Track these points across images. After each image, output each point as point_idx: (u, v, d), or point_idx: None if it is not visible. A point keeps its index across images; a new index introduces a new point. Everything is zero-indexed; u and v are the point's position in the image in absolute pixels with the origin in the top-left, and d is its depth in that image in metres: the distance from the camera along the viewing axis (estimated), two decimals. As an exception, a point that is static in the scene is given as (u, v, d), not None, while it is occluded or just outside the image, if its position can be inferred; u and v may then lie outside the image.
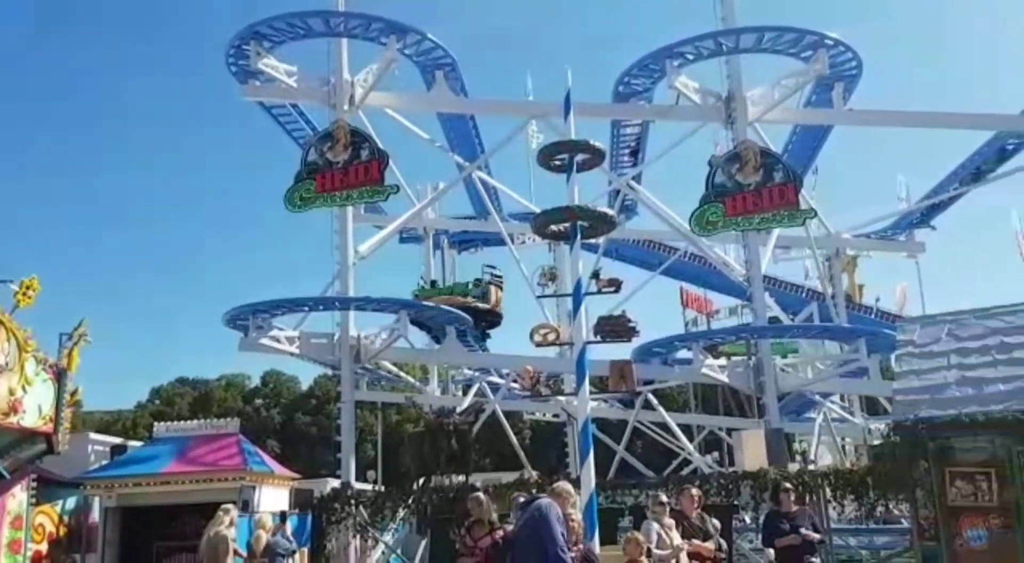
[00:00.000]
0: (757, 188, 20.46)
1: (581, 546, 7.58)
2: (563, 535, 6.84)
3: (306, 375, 62.15)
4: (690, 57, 21.95)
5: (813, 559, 9.20)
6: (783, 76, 22.44)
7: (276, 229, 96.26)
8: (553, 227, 10.81)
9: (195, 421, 18.75)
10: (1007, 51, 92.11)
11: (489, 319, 28.04)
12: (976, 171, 25.78)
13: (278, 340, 20.52)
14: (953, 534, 8.77)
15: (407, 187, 25.04)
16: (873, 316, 32.18)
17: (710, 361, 21.38)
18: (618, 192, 25.84)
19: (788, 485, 10.32)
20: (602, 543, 9.17)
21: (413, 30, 21.71)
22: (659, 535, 8.57)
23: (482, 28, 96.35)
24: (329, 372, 29.40)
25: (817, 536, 9.51)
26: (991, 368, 9.05)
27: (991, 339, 9.36)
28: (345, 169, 20.46)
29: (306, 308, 21.05)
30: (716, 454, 30.76)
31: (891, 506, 15.34)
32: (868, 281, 36.49)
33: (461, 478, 16.57)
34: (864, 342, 20.08)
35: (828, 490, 14.41)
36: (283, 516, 14.55)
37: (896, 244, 29.62)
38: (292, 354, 21.24)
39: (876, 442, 23.91)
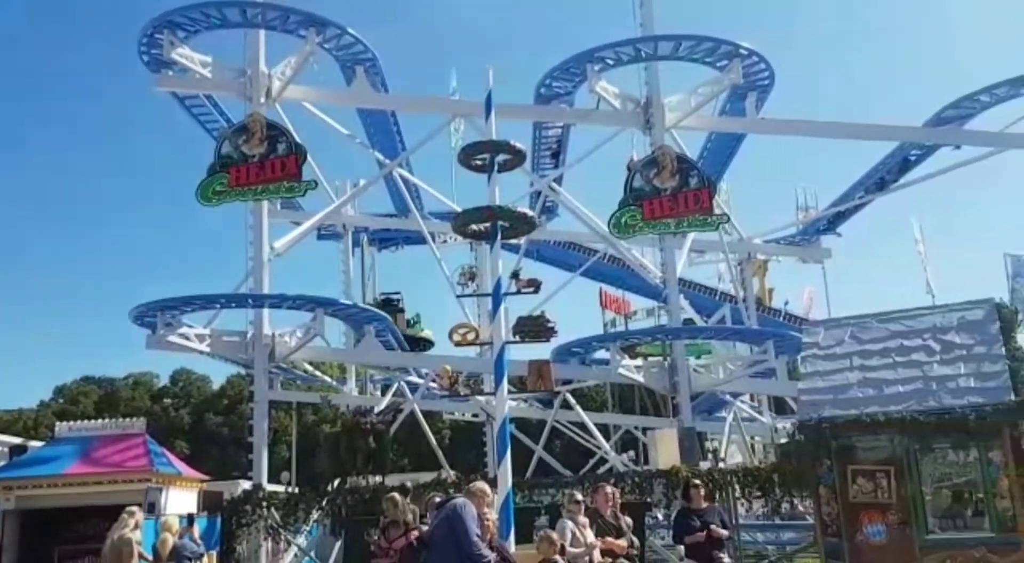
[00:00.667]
0: (673, 193, 20.89)
1: (495, 545, 7.60)
2: (478, 534, 6.86)
3: (218, 374, 60.68)
4: (610, 62, 22.27)
5: (721, 554, 9.44)
6: (700, 84, 22.99)
7: (188, 224, 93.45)
8: (474, 227, 10.80)
9: (100, 421, 18.10)
10: (912, 63, 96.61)
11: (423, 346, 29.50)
12: (880, 180, 26.95)
13: (188, 338, 19.94)
14: (854, 530, 9.12)
15: (326, 183, 24.70)
16: (782, 319, 33.31)
17: (627, 361, 21.74)
18: (539, 193, 26.03)
19: (698, 482, 10.56)
20: (518, 542, 9.22)
21: (333, 24, 21.38)
22: (573, 533, 8.65)
23: (416, 27, 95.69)
24: (242, 371, 28.72)
25: (725, 532, 9.75)
26: (891, 370, 9.44)
27: (891, 342, 9.76)
28: (261, 163, 20.01)
29: (218, 305, 20.51)
30: (632, 453, 31.28)
31: (796, 503, 15.89)
32: (778, 285, 37.80)
33: (378, 479, 16.38)
34: (772, 344, 20.77)
35: (737, 487, 14.79)
36: (191, 519, 14.14)
37: (804, 250, 30.73)
38: (202, 352, 20.68)
39: (783, 441, 24.69)
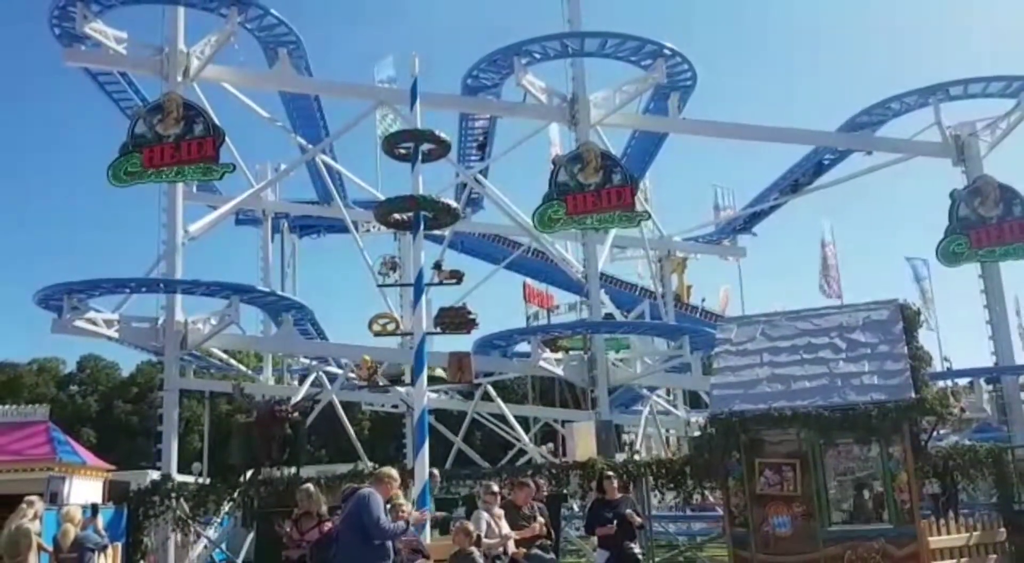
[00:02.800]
0: (597, 189, 21.10)
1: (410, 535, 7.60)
2: (384, 517, 6.83)
3: (128, 361, 58.69)
4: (537, 56, 22.35)
5: (632, 545, 9.61)
6: (624, 82, 23.28)
7: (99, 204, 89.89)
8: (396, 216, 10.72)
9: (0, 407, 17.31)
10: (826, 69, 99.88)
11: None
12: (795, 183, 27.81)
13: (96, 323, 19.17)
14: (760, 520, 9.42)
15: (245, 167, 24.08)
16: (699, 315, 34.12)
17: (548, 355, 21.91)
18: (465, 185, 25.97)
19: (611, 474, 10.73)
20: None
21: (255, 4, 20.84)
22: (488, 524, 8.69)
23: (344, 16, 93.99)
24: (153, 358, 27.86)
25: (638, 520, 9.94)
26: (799, 367, 9.77)
27: (799, 340, 10.10)
28: (176, 144, 19.34)
29: (128, 289, 19.79)
30: (551, 445, 31.58)
31: (707, 494, 16.30)
32: (696, 282, 38.70)
33: (292, 470, 16.11)
34: (688, 339, 21.24)
35: (651, 479, 15.09)
36: (94, 509, 13.66)
37: (721, 248, 31.53)
38: (111, 338, 19.93)
39: (695, 434, 25.31)
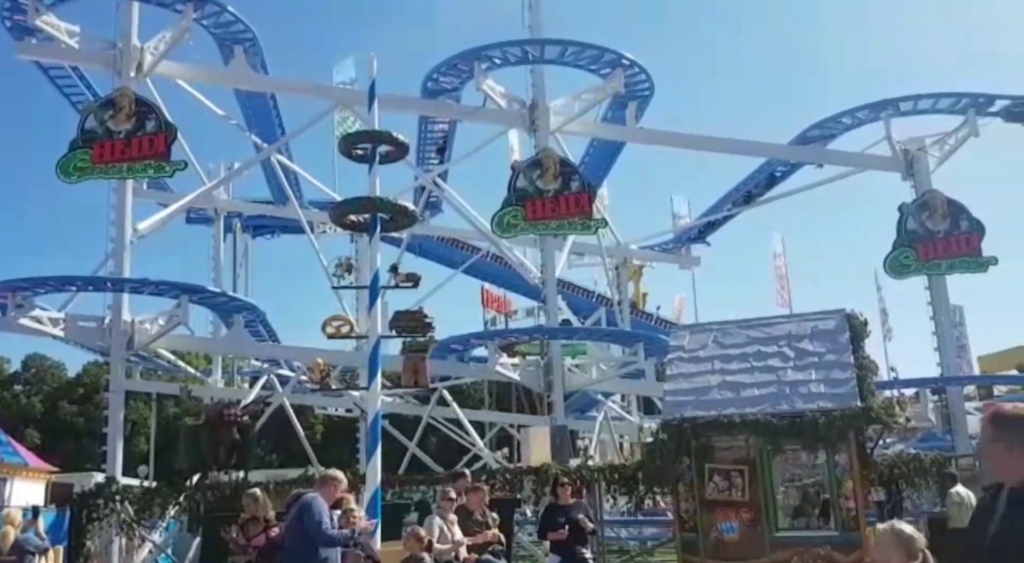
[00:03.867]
0: (555, 195, 21.20)
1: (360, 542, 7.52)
2: (328, 523, 6.75)
3: (74, 361, 57.28)
4: (497, 61, 22.39)
5: (584, 550, 9.63)
6: (584, 90, 23.42)
7: (47, 200, 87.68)
8: (353, 217, 10.61)
9: (-62, 407, 16.76)
10: (779, 83, 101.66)
11: None
12: (748, 194, 28.22)
13: (41, 321, 18.70)
14: (709, 526, 9.49)
15: (197, 165, 23.78)
16: (654, 323, 34.45)
17: (505, 360, 21.91)
18: (423, 188, 25.88)
19: (565, 480, 10.74)
20: (386, 539, 9.12)
21: (212, 0, 20.56)
22: (441, 529, 8.64)
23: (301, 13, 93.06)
24: (99, 359, 27.22)
25: (590, 526, 9.97)
26: (748, 374, 9.87)
27: (750, 347, 10.20)
28: (127, 140, 18.99)
29: (74, 287, 19.34)
30: (506, 450, 31.57)
31: (658, 499, 16.42)
32: (652, 290, 39.08)
33: (240, 474, 15.85)
34: (642, 346, 21.43)
35: (604, 484, 15.15)
36: (35, 511, 13.32)
37: (676, 257, 31.88)
38: (57, 337, 19.46)
39: (648, 440, 25.48)
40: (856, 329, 10.00)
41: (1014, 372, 32.56)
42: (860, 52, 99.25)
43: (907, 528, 3.78)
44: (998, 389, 32.14)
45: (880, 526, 3.99)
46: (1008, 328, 80.00)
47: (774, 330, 10.36)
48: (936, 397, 23.54)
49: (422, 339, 11.34)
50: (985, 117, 23.06)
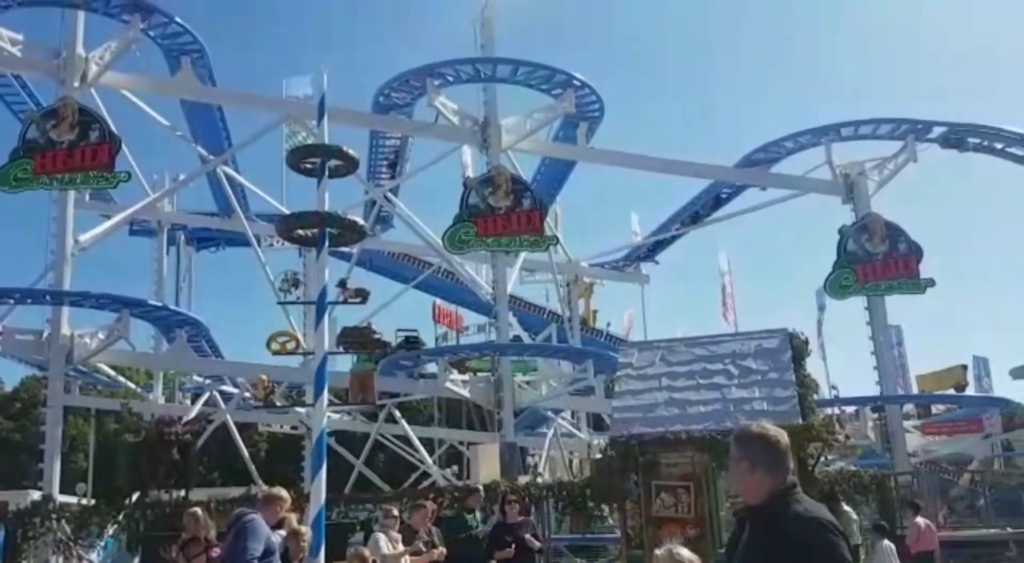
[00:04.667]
0: (507, 212, 21.29)
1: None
2: (271, 548, 6.59)
3: (11, 376, 55.42)
4: (450, 78, 22.48)
5: (530, 569, 9.62)
6: (535, 109, 23.63)
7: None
8: (301, 232, 10.50)
9: None
10: (727, 105, 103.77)
11: None
12: (695, 214, 28.70)
13: (-25, 334, 18.14)
14: (656, 542, 9.56)
15: (141, 176, 23.35)
16: (604, 339, 34.65)
17: (455, 376, 21.84)
18: (374, 203, 25.77)
19: (512, 497, 10.74)
20: (330, 558, 8.98)
21: (159, 11, 20.34)
22: (386, 546, 8.56)
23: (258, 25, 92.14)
24: (37, 373, 26.45)
25: (537, 544, 9.97)
26: (694, 391, 10.00)
27: (696, 365, 10.34)
28: (70, 150, 18.57)
29: (11, 300, 18.80)
30: (456, 467, 31.37)
31: (606, 516, 16.47)
32: (602, 307, 39.35)
33: (181, 493, 15.51)
34: (592, 363, 21.55)
35: (552, 501, 15.16)
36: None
37: (626, 274, 32.22)
38: (-10, 352, 18.87)
39: (597, 456, 25.60)
40: (798, 348, 10.21)
41: (951, 391, 33.43)
42: (807, 76, 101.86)
43: (685, 552, 3.83)
44: (936, 408, 33.04)
45: (658, 551, 4.05)
46: (945, 348, 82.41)
47: (719, 348, 10.52)
48: (876, 415, 24.09)
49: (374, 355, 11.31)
50: (923, 143, 23.81)
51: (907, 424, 25.46)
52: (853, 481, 15.17)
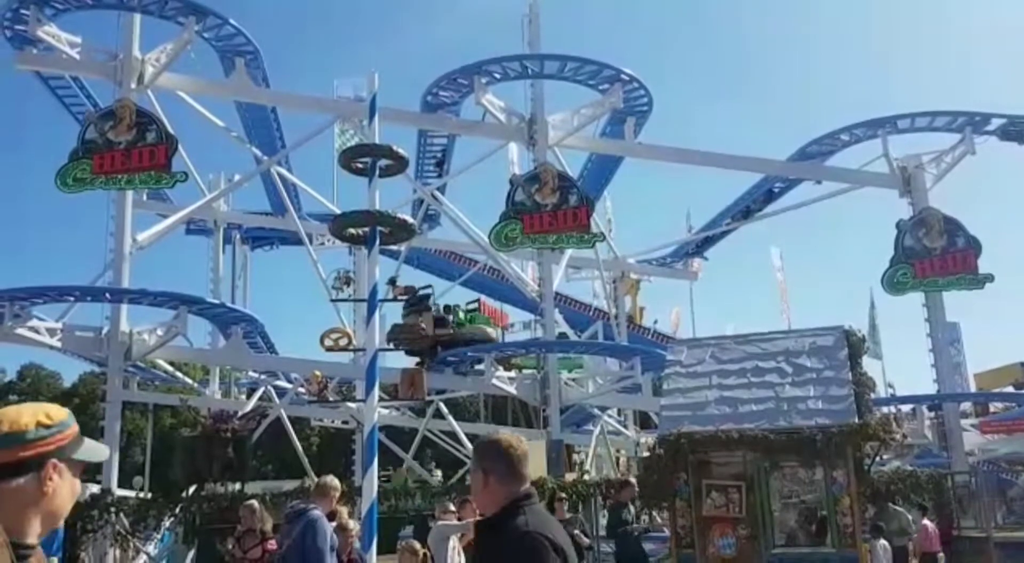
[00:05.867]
0: (553, 209, 21.25)
1: (353, 558, 7.52)
2: (333, 545, 6.72)
3: (70, 371, 57.23)
4: (497, 76, 22.49)
5: (579, 566, 9.60)
6: (582, 105, 23.53)
7: (48, 209, 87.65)
8: (352, 230, 10.64)
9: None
10: (780, 100, 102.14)
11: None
12: (746, 209, 28.29)
13: (38, 331, 18.68)
14: (706, 542, 9.48)
15: (197, 176, 23.84)
16: (651, 337, 34.42)
17: (501, 373, 21.88)
18: (422, 201, 25.94)
19: (563, 495, 10.74)
20: (381, 552, 9.09)
21: (213, 13, 20.66)
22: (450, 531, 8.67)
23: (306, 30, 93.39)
24: (96, 369, 27.17)
25: (587, 541, 9.95)
26: (746, 390, 9.89)
27: (747, 363, 10.22)
28: (127, 151, 19.02)
29: (72, 298, 19.33)
30: (502, 464, 31.38)
31: (655, 515, 16.37)
32: (649, 304, 39.10)
33: (236, 486, 15.80)
34: (639, 360, 21.40)
35: (600, 498, 15.11)
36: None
37: (674, 271, 31.89)
38: (53, 347, 19.43)
39: (645, 454, 25.45)
40: (854, 346, 10.04)
41: (1010, 389, 32.52)
42: (861, 70, 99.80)
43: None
44: (994, 406, 32.14)
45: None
46: (1004, 345, 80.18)
47: (772, 346, 10.39)
48: (932, 414, 23.53)
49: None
50: (981, 135, 23.18)
51: (965, 423, 24.81)
52: (909, 481, 14.85)
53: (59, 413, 1.86)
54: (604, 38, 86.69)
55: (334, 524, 7.54)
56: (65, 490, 1.83)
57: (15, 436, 1.74)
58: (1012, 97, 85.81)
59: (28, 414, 1.80)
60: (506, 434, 3.15)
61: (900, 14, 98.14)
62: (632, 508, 9.44)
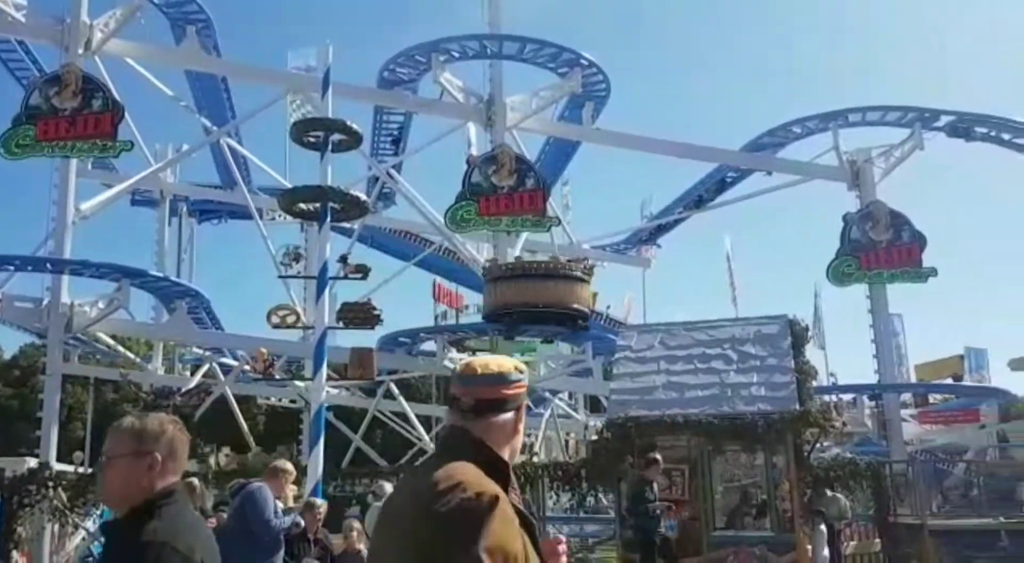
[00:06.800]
0: (510, 192, 21.20)
1: (319, 536, 7.50)
2: (276, 511, 6.63)
3: (10, 343, 55.62)
4: (456, 55, 22.30)
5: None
6: (541, 88, 23.46)
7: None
8: (303, 206, 10.51)
9: None
10: (737, 90, 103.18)
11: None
12: (699, 198, 28.55)
13: (-25, 302, 18.14)
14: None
15: (144, 146, 23.30)
16: (603, 322, 34.61)
17: (454, 354, 21.84)
18: (377, 179, 25.66)
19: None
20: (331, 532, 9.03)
21: (163, -23, 20.16)
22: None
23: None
24: (37, 341, 26.48)
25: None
26: (692, 375, 10.03)
27: (695, 349, 10.37)
28: (72, 118, 18.49)
29: (12, 267, 18.79)
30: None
31: (600, 497, 16.53)
32: (602, 289, 39.24)
33: (179, 463, 15.53)
34: (591, 345, 21.53)
35: (547, 480, 15.18)
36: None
37: (627, 258, 32.09)
38: (-9, 318, 18.89)
39: (594, 437, 25.70)
40: (797, 335, 10.23)
41: (949, 381, 33.44)
42: (819, 62, 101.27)
43: None
44: (933, 397, 33.06)
45: None
46: (945, 337, 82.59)
47: (718, 333, 10.54)
48: (873, 403, 24.09)
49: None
50: (930, 131, 23.66)
51: (904, 413, 25.46)
52: (848, 468, 15.19)
53: (522, 366, 2.15)
54: (568, 22, 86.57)
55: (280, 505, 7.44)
56: (522, 431, 2.14)
57: (502, 376, 2.06)
58: (960, 96, 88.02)
59: (509, 362, 2.12)
60: (160, 417, 2.51)
61: (868, 11, 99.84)
62: (655, 487, 9.37)
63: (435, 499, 1.83)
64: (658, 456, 8.78)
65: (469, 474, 1.90)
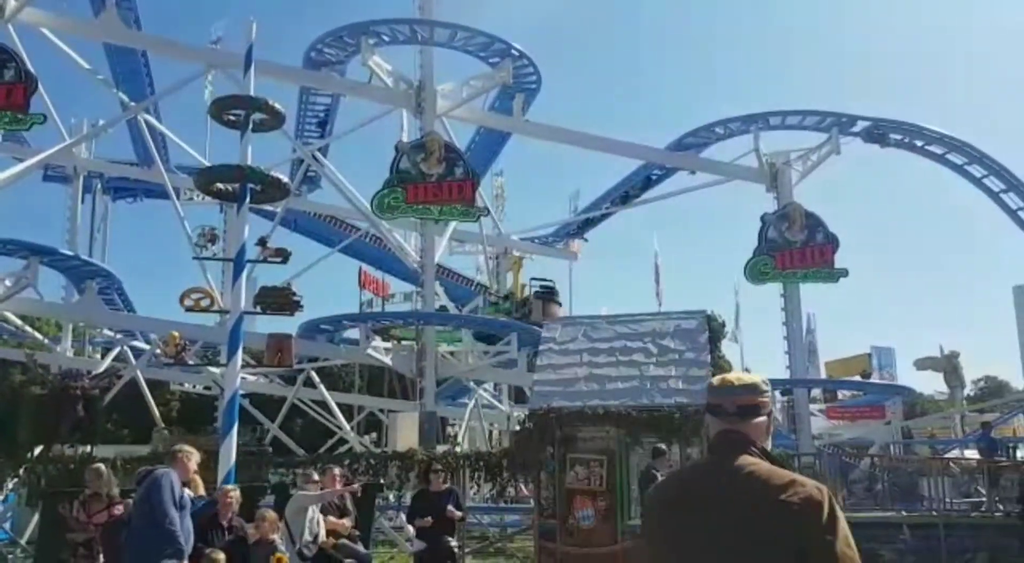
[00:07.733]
0: (438, 180, 21.06)
1: (234, 523, 7.34)
2: (182, 504, 6.44)
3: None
4: (386, 38, 22.04)
5: (450, 538, 9.54)
6: (472, 77, 23.37)
7: None
8: (221, 186, 10.20)
9: None
10: (667, 88, 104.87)
11: None
12: (625, 194, 28.95)
13: None
14: (567, 513, 9.71)
15: (58, 119, 22.29)
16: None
17: (377, 343, 21.63)
18: (302, 162, 25.17)
19: (439, 467, 10.68)
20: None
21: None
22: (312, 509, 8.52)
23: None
24: (-64, 320, 25.17)
25: (458, 514, 9.94)
26: (614, 368, 10.14)
27: (617, 342, 10.48)
28: (-19, 89, 17.60)
29: (-90, 243, 17.82)
30: (375, 434, 31.17)
31: (521, 486, 16.64)
32: (530, 281, 39.44)
33: (86, 449, 15.01)
34: (516, 336, 21.61)
35: (468, 470, 15.19)
36: None
37: (555, 250, 32.34)
38: None
39: (516, 428, 25.81)
40: (714, 330, 10.50)
41: (857, 378, 34.77)
42: (749, 64, 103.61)
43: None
44: (842, 393, 34.35)
45: None
46: (854, 335, 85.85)
47: (640, 327, 10.68)
48: (784, 398, 24.87)
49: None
50: (847, 136, 24.47)
51: (813, 408, 26.36)
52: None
53: (767, 380, 2.51)
54: (499, 15, 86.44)
55: (188, 492, 7.23)
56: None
57: (756, 387, 2.44)
58: (878, 103, 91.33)
59: (757, 376, 2.54)
60: None
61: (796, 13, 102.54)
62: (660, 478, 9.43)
63: (780, 491, 2.18)
64: (663, 446, 8.95)
65: (788, 471, 2.28)
